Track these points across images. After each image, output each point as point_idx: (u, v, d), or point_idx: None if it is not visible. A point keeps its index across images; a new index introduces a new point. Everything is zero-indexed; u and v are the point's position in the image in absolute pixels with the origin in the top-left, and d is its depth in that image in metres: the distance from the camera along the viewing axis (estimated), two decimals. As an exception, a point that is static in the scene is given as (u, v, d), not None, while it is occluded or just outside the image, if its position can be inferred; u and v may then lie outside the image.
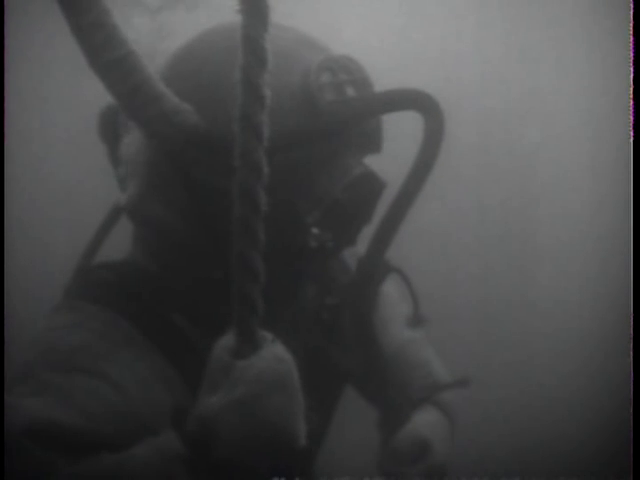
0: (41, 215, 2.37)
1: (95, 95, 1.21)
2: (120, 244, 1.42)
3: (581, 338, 2.75)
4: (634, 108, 1.34)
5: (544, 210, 2.71)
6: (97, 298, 1.27)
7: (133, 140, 1.26)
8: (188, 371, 1.22)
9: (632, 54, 1.34)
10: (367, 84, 1.23)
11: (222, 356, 1.05)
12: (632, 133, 1.34)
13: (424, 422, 1.51)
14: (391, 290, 1.56)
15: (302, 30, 1.27)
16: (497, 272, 2.70)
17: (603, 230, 2.65)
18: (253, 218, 0.99)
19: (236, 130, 0.97)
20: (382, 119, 1.26)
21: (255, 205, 0.99)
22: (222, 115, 1.11)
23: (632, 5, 1.36)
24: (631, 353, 1.32)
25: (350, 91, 1.20)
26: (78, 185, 2.27)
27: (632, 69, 1.34)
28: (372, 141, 1.26)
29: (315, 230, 1.21)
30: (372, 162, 1.27)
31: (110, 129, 1.34)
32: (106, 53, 1.03)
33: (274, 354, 1.04)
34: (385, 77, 1.27)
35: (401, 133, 1.32)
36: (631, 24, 1.35)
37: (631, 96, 1.34)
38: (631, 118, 1.34)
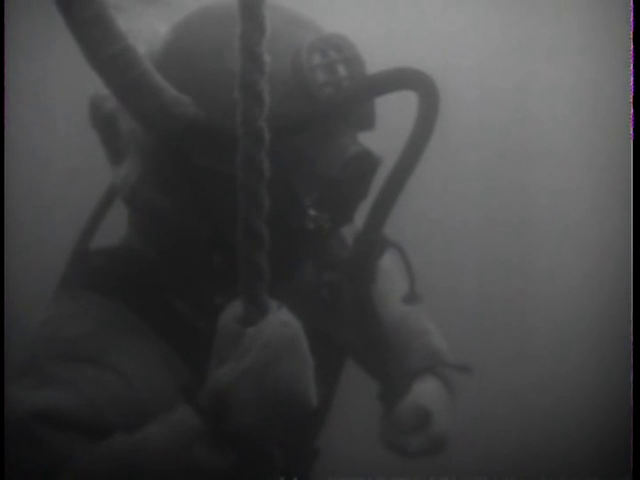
0: (40, 209, 2.37)
1: (94, 86, 1.22)
2: (111, 229, 1.42)
3: (581, 337, 2.74)
4: (634, 105, 1.36)
5: (544, 197, 2.72)
6: (97, 286, 1.27)
7: (128, 127, 1.26)
8: (191, 356, 1.22)
9: (632, 53, 1.37)
10: (359, 62, 1.22)
11: (230, 325, 1.06)
12: (632, 126, 1.36)
13: (424, 392, 1.52)
14: (388, 264, 1.57)
15: (289, 8, 1.26)
16: (496, 259, 2.71)
17: (603, 218, 2.66)
18: (257, 185, 1.00)
19: (237, 97, 0.98)
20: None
21: (259, 172, 1.00)
22: (220, 103, 1.11)
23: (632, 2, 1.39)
24: (631, 347, 1.33)
25: (342, 70, 1.20)
26: (78, 177, 2.26)
27: (632, 69, 1.37)
28: (365, 119, 1.26)
29: (312, 212, 1.21)
30: (366, 138, 1.28)
31: (101, 116, 1.34)
32: (104, 48, 1.02)
33: (281, 319, 1.05)
34: (379, 56, 1.27)
35: (396, 108, 1.33)
36: (631, 20, 1.38)
37: (631, 95, 1.36)
38: (631, 112, 1.36)
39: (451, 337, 1.62)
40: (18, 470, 1.11)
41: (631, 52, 1.36)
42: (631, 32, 1.37)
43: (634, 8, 1.39)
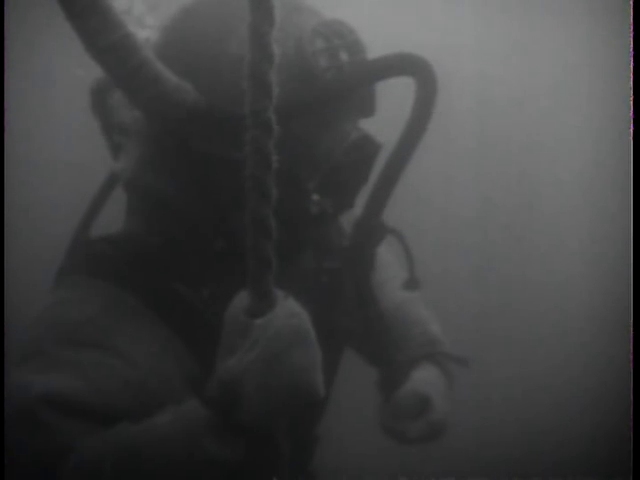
0: (39, 199, 2.36)
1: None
2: (108, 220, 1.42)
3: (580, 323, 2.75)
4: (634, 105, 1.36)
5: (543, 186, 2.73)
6: (99, 272, 1.27)
7: (130, 113, 1.25)
8: (194, 340, 1.23)
9: (632, 53, 1.37)
10: (360, 48, 1.23)
11: (238, 316, 1.06)
12: (632, 121, 1.36)
13: (423, 379, 1.53)
14: (385, 252, 1.57)
15: None
16: (495, 246, 2.71)
17: (603, 208, 2.66)
18: (264, 175, 1.00)
19: (246, 88, 0.98)
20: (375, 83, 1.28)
21: (266, 163, 1.00)
22: (223, 87, 1.12)
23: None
24: (631, 339, 1.33)
25: (344, 55, 1.20)
26: (76, 166, 2.25)
27: (632, 69, 1.37)
28: (366, 105, 1.26)
29: (316, 196, 1.22)
30: (366, 124, 1.28)
31: (102, 103, 1.33)
32: (103, 37, 1.02)
33: (288, 309, 1.05)
34: (381, 45, 1.27)
35: (397, 94, 1.33)
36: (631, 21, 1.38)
37: (631, 90, 1.36)
38: (631, 107, 1.36)
39: (448, 324, 1.63)
40: (22, 454, 1.10)
41: (631, 52, 1.37)
42: (631, 32, 1.37)
43: (634, 9, 1.39)
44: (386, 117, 1.28)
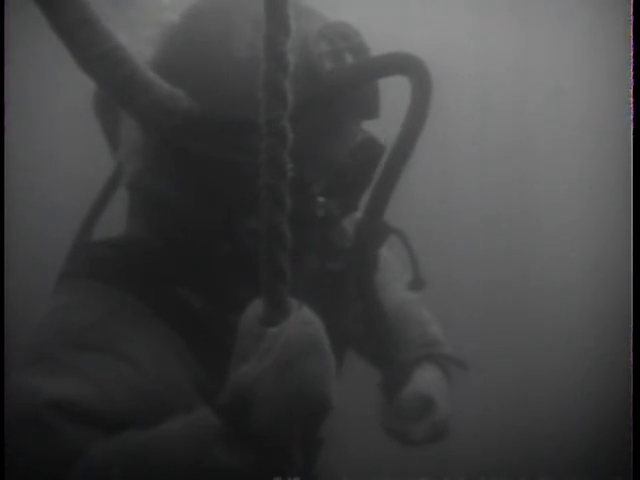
0: (40, 202, 2.35)
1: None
2: (110, 224, 1.41)
3: (581, 327, 2.77)
4: (634, 105, 1.37)
5: (546, 191, 2.74)
6: (103, 275, 1.26)
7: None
8: (199, 344, 1.23)
9: (632, 53, 1.37)
10: (364, 49, 1.24)
11: (251, 325, 1.05)
12: (632, 126, 1.37)
13: (426, 380, 1.54)
14: (386, 253, 1.58)
15: None
16: (496, 248, 2.72)
17: (603, 212, 2.68)
18: (280, 186, 1.00)
19: (261, 98, 0.98)
20: (378, 85, 1.27)
21: (282, 173, 1.00)
22: (225, 90, 1.13)
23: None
24: (631, 342, 1.34)
25: (349, 58, 1.21)
26: (78, 169, 2.24)
27: (632, 69, 1.37)
28: (371, 107, 1.27)
29: (321, 199, 1.22)
30: (368, 125, 1.29)
31: (105, 106, 1.32)
32: (92, 49, 1.03)
33: (302, 318, 1.05)
34: (381, 45, 1.27)
35: (398, 95, 1.33)
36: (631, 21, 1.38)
37: (631, 95, 1.37)
38: (631, 112, 1.37)
39: (450, 325, 1.64)
40: (28, 459, 1.09)
41: (631, 52, 1.37)
42: (631, 32, 1.38)
43: (634, 9, 1.40)
44: (385, 118, 1.29)
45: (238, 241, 1.22)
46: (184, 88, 1.15)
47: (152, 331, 1.22)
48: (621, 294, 1.65)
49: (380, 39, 1.29)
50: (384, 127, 1.29)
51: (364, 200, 1.32)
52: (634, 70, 1.37)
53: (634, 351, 1.34)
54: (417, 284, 1.47)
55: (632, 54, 1.37)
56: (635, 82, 1.37)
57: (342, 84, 1.18)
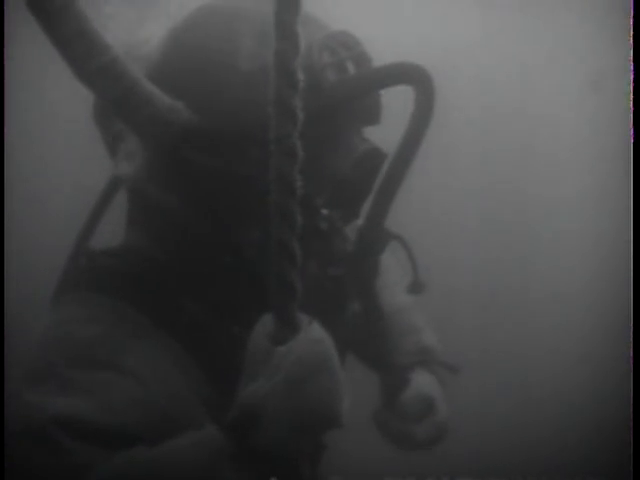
0: (39, 209, 2.33)
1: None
2: (106, 231, 1.40)
3: (580, 334, 2.79)
4: (634, 105, 1.37)
5: (545, 192, 2.74)
6: (104, 288, 1.25)
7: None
8: (202, 356, 1.22)
9: (632, 53, 1.37)
10: (366, 59, 1.23)
11: (261, 342, 1.05)
12: (632, 126, 1.37)
13: (425, 382, 1.56)
14: (384, 258, 1.58)
15: None
16: (495, 253, 2.72)
17: (603, 214, 2.68)
18: (290, 203, 0.99)
19: (270, 113, 0.97)
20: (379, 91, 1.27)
21: (291, 190, 0.99)
22: (217, 107, 1.13)
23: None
24: (631, 345, 1.34)
25: (351, 67, 1.20)
26: (76, 176, 2.22)
27: (632, 69, 1.37)
28: (372, 114, 1.26)
29: (324, 211, 1.22)
30: (367, 132, 1.28)
31: (105, 115, 1.31)
32: (91, 61, 1.02)
33: (312, 336, 1.04)
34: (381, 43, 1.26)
35: (399, 101, 1.33)
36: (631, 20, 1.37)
37: (631, 95, 1.36)
38: (631, 112, 1.36)
39: (449, 331, 1.64)
40: (36, 476, 1.08)
41: (631, 52, 1.37)
42: (631, 32, 1.38)
43: (634, 8, 1.39)
44: (385, 120, 1.28)
45: (239, 252, 1.21)
46: (184, 99, 1.14)
47: (156, 344, 1.20)
48: (621, 296, 1.66)
49: (380, 39, 1.29)
50: (384, 130, 1.28)
51: (365, 206, 1.32)
52: (634, 71, 1.37)
53: (634, 353, 1.34)
54: (417, 288, 1.46)
55: (632, 54, 1.37)
56: (636, 83, 1.37)
57: (345, 96, 1.17)
